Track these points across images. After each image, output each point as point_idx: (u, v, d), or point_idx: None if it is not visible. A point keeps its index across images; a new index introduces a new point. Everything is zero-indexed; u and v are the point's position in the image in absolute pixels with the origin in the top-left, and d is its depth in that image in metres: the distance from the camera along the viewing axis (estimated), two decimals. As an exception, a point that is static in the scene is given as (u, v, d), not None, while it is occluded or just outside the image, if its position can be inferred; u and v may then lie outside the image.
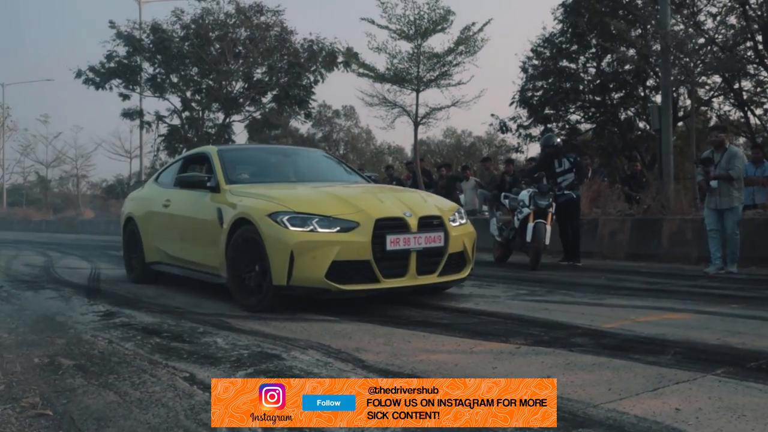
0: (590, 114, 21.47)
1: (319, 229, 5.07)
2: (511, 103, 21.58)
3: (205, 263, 6.04)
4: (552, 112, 21.21)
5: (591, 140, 21.77)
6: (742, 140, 24.72)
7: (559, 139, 9.81)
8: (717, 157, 8.10)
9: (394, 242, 5.15)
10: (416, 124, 19.13)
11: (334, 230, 5.08)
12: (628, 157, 19.67)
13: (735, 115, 19.76)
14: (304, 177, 6.78)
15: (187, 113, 25.14)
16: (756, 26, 14.92)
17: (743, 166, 8.24)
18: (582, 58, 20.83)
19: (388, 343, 4.04)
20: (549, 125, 20.86)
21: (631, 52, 17.66)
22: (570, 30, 20.04)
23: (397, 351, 3.83)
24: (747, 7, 15.07)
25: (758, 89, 17.84)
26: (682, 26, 14.86)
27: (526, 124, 21.64)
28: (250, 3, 24.20)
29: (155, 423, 2.64)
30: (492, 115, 22.85)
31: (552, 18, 21.55)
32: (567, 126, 20.96)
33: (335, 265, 5.00)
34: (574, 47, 20.52)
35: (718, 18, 16.80)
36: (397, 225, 5.24)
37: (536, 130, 21.47)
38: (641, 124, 21.03)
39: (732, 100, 18.66)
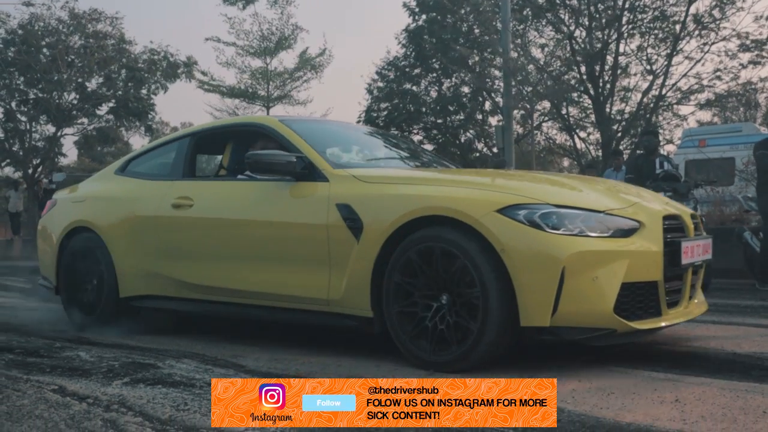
0: (432, 135, 22.47)
1: (589, 233, 3.19)
2: (357, 123, 22.12)
3: (297, 294, 3.85)
4: (397, 132, 21.98)
5: (433, 160, 22.76)
6: (567, 162, 26.76)
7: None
8: None
9: (687, 252, 3.43)
10: (266, 140, 19.13)
11: (607, 234, 3.22)
12: (468, 177, 20.75)
13: (561, 138, 21.52)
14: (414, 160, 4.89)
15: (11, 125, 23.30)
16: (580, 58, 16.35)
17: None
18: (424, 81, 21.81)
19: (265, 350, 3.98)
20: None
21: (470, 76, 18.74)
22: (413, 54, 20.93)
23: (277, 356, 3.80)
24: (573, 40, 16.51)
25: (582, 115, 19.55)
26: (516, 55, 15.97)
27: (372, 143, 22.25)
28: (85, 9, 23.01)
29: (34, 434, 2.44)
30: (339, 134, 23.27)
31: (396, 42, 22.44)
32: (411, 146, 21.77)
33: (622, 291, 3.18)
34: (417, 71, 21.44)
35: (546, 49, 18.31)
36: (678, 227, 3.57)
37: (382, 150, 22.13)
38: (479, 146, 22.32)
39: (560, 125, 20.30)
